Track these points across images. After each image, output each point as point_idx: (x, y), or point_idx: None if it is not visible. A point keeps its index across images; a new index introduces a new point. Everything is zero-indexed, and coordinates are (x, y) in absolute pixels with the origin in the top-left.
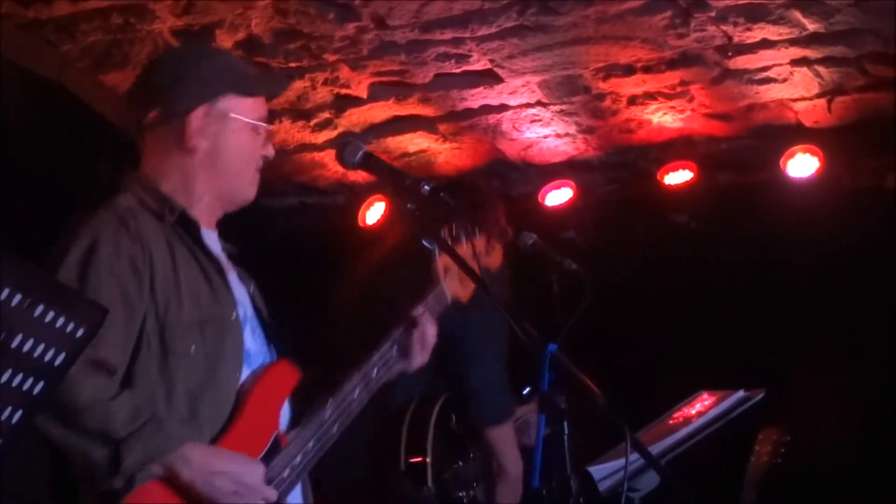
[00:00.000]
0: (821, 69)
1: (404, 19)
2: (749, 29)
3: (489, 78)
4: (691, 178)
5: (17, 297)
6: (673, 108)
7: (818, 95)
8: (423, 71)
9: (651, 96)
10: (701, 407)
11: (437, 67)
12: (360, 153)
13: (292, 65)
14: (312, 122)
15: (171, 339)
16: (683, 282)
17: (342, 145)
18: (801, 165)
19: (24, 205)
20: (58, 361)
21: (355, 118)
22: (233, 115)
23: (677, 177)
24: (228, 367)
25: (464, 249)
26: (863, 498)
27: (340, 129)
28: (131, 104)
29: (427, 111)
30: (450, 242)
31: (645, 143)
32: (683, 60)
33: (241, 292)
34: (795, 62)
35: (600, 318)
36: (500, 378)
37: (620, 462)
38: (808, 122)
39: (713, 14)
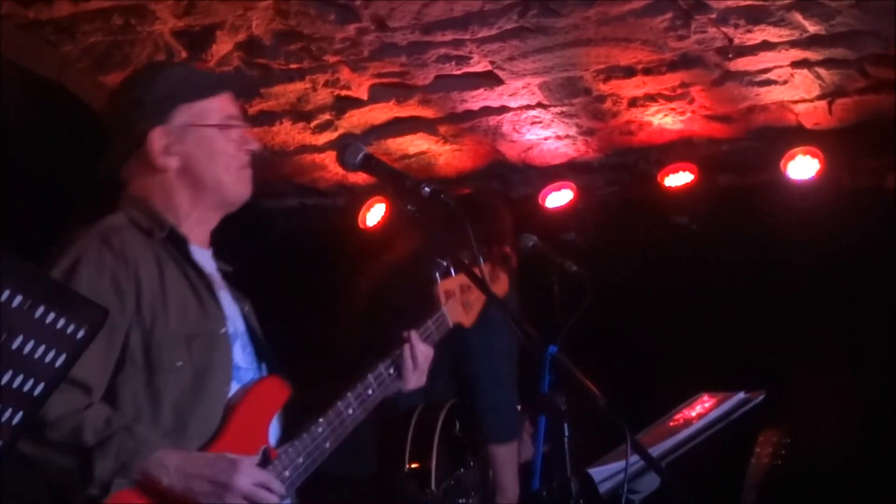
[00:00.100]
0: (821, 71)
1: (405, 21)
2: (749, 31)
3: (490, 79)
4: (692, 180)
5: (18, 299)
6: (673, 109)
7: (819, 97)
8: (423, 72)
9: (651, 98)
10: (701, 409)
11: (437, 69)
12: (361, 155)
13: (293, 66)
14: (313, 124)
15: (157, 354)
16: (684, 283)
17: (342, 147)
18: (802, 167)
19: (24, 205)
20: (58, 363)
21: (356, 120)
22: (193, 126)
23: (678, 178)
24: (216, 382)
25: (465, 278)
26: (863, 498)
27: (341, 131)
28: (106, 135)
29: (427, 113)
30: (452, 271)
31: (645, 145)
32: (684, 62)
33: (232, 309)
34: (796, 64)
35: (601, 320)
36: (510, 397)
37: (621, 464)
38: (808, 124)
39: (714, 16)
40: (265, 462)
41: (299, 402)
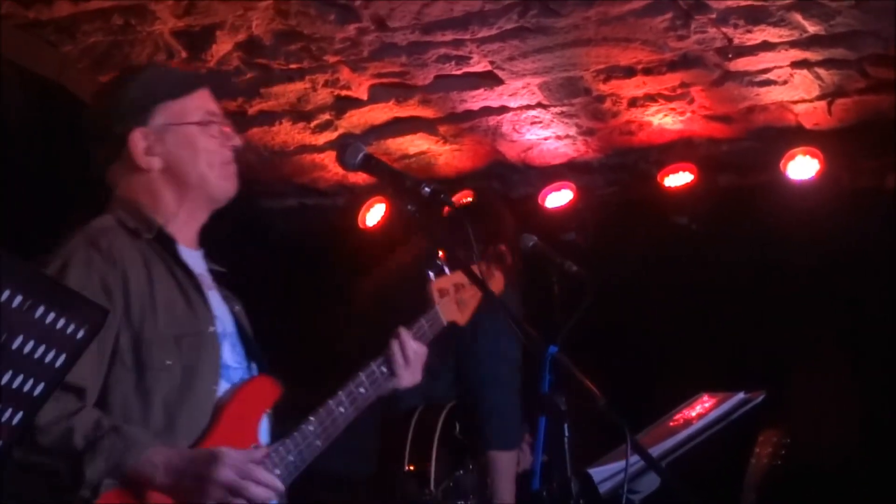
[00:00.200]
0: (821, 71)
1: (405, 21)
2: (749, 31)
3: (489, 80)
4: (691, 180)
5: (18, 299)
6: (673, 109)
7: (818, 97)
8: (423, 72)
9: (651, 98)
10: (701, 409)
11: (437, 69)
12: (361, 155)
13: (293, 66)
14: (313, 124)
15: (146, 354)
16: (684, 283)
17: (342, 147)
18: (802, 167)
19: (23, 205)
20: (58, 363)
21: (355, 120)
22: (172, 125)
23: (678, 178)
24: (205, 380)
25: (459, 276)
26: (863, 498)
27: (341, 131)
28: (86, 144)
29: (427, 113)
30: (446, 270)
31: (645, 145)
32: (684, 62)
33: (221, 309)
34: (796, 64)
35: (600, 320)
36: (514, 403)
37: (621, 464)
38: (808, 125)
39: (714, 16)
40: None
41: (299, 402)
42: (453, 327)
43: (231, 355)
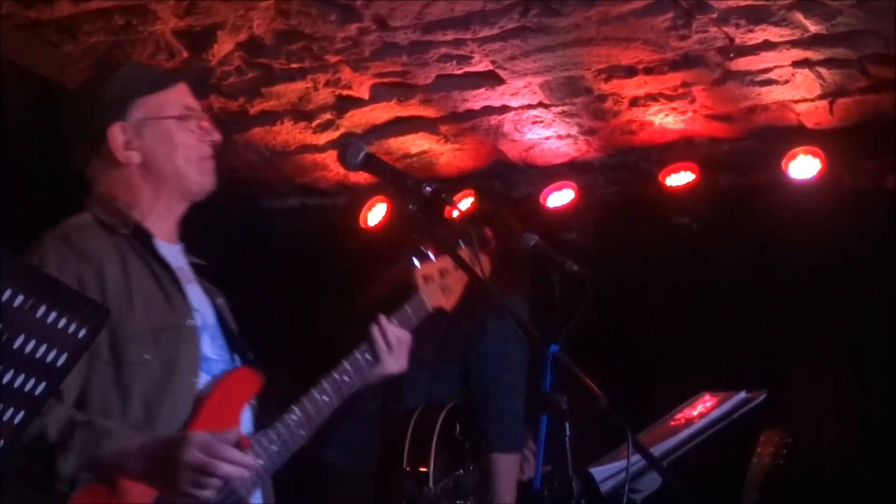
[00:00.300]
0: (822, 71)
1: (406, 20)
2: (751, 30)
3: (491, 79)
4: (693, 180)
5: (20, 298)
6: (674, 109)
7: (820, 97)
8: (424, 72)
9: (653, 98)
10: (703, 408)
11: (438, 68)
12: (362, 154)
13: (294, 66)
14: (314, 123)
15: (124, 349)
16: (685, 283)
17: (344, 146)
18: (803, 167)
19: (24, 205)
20: (60, 362)
21: (357, 119)
22: (150, 119)
23: (679, 178)
24: (184, 374)
25: (444, 262)
26: (864, 498)
27: (342, 130)
28: (66, 140)
29: (429, 112)
30: (431, 256)
31: (646, 145)
32: (685, 62)
33: (201, 302)
34: (797, 64)
35: (602, 319)
36: (518, 407)
37: (622, 463)
38: (809, 124)
39: (715, 15)
40: None
41: (293, 396)
42: (458, 327)
43: (211, 347)
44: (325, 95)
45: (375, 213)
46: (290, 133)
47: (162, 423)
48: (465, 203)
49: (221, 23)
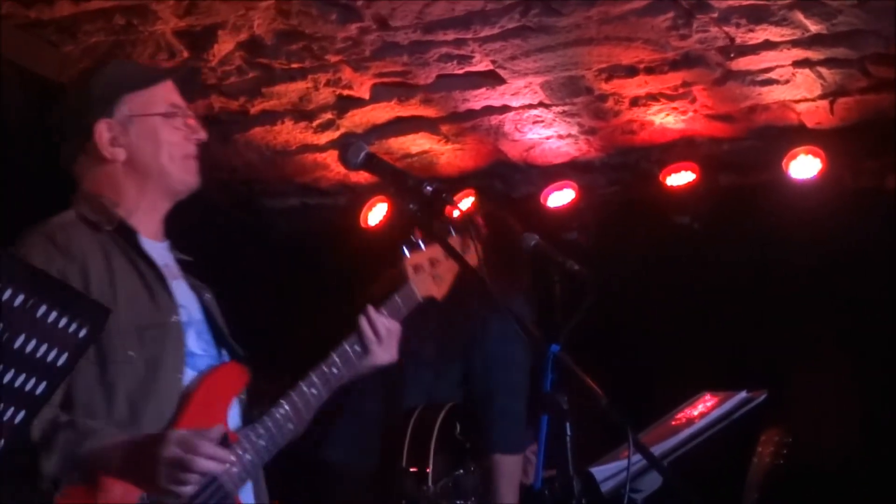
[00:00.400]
0: (823, 70)
1: (406, 20)
2: (751, 30)
3: (491, 79)
4: (693, 180)
5: (20, 298)
6: (675, 109)
7: (820, 97)
8: (425, 72)
9: (653, 97)
10: (703, 408)
11: (439, 68)
12: (363, 154)
13: (294, 66)
14: (315, 123)
15: (108, 346)
16: (685, 283)
17: (345, 146)
18: (804, 167)
19: (24, 205)
20: (60, 362)
21: (357, 119)
22: (136, 116)
23: (679, 178)
24: (169, 370)
25: (434, 251)
26: (864, 498)
27: (342, 130)
28: (56, 141)
29: (429, 112)
30: (421, 245)
31: (647, 145)
32: (686, 61)
33: (187, 298)
34: (798, 63)
35: (602, 319)
36: (521, 409)
37: (623, 463)
38: (810, 124)
39: (715, 15)
40: (223, 446)
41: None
42: (460, 327)
43: (197, 343)
44: (325, 95)
45: (376, 213)
46: (290, 133)
47: (147, 420)
48: (466, 203)
49: (222, 23)
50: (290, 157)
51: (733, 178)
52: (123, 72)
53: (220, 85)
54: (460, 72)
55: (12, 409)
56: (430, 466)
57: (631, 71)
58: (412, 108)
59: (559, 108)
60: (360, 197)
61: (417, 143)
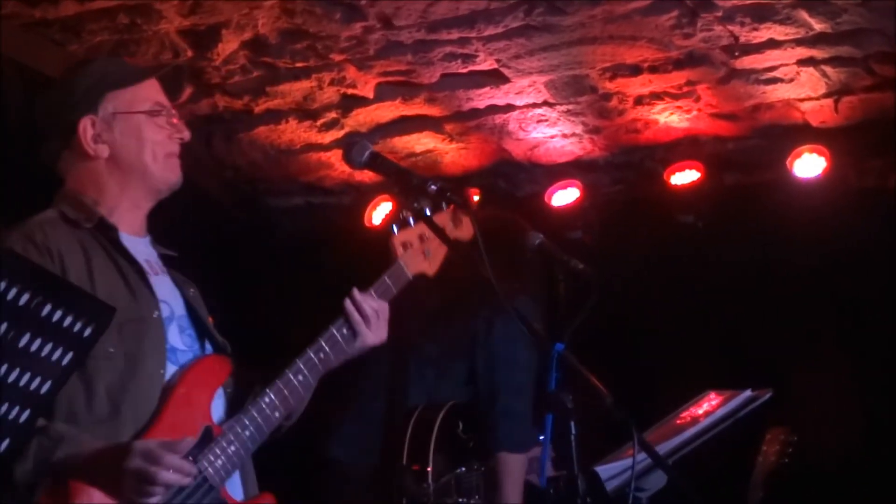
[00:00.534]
0: (827, 69)
1: (410, 19)
2: (756, 29)
3: (495, 78)
4: (698, 178)
5: (25, 297)
6: (679, 108)
7: (825, 95)
8: (429, 71)
9: (657, 96)
10: (708, 406)
11: (443, 67)
12: (367, 153)
13: (299, 65)
14: (319, 122)
15: None
16: (689, 281)
17: (349, 145)
18: (808, 165)
19: (26, 204)
20: (65, 361)
21: (362, 118)
22: (120, 113)
23: (684, 177)
24: (149, 365)
25: (424, 227)
26: (868, 497)
27: (347, 129)
28: (39, 134)
29: (433, 111)
30: (410, 222)
31: (651, 143)
32: (690, 60)
33: (169, 294)
34: (802, 62)
35: (606, 318)
36: (526, 407)
37: (628, 461)
38: (814, 122)
39: (720, 14)
40: (207, 440)
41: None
42: (465, 326)
43: (180, 338)
44: (329, 94)
45: (380, 212)
46: (294, 132)
47: (127, 416)
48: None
49: (226, 22)
50: (294, 156)
51: (738, 177)
52: (108, 69)
53: (225, 84)
54: (464, 71)
55: (17, 408)
56: (431, 464)
57: (635, 70)
58: (416, 107)
59: (563, 107)
60: (365, 196)
61: (422, 142)
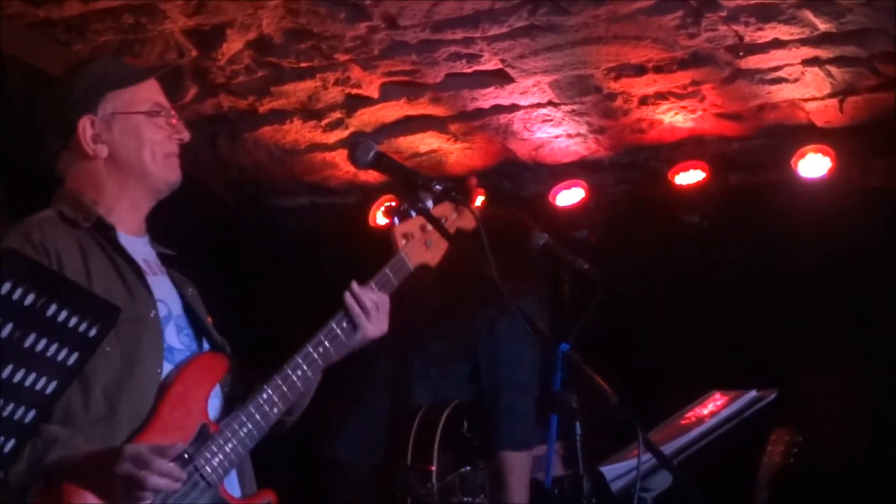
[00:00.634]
0: (832, 69)
1: (415, 19)
2: (760, 29)
3: (500, 78)
4: (702, 178)
5: (31, 297)
6: (684, 107)
7: (829, 95)
8: (434, 71)
9: (662, 96)
10: (713, 407)
11: (448, 67)
12: (372, 153)
13: (303, 65)
14: (323, 122)
15: None
16: (694, 281)
17: (354, 145)
18: (813, 165)
19: (30, 204)
20: (70, 361)
21: (366, 118)
22: (119, 113)
23: (688, 177)
24: (146, 364)
25: (423, 218)
26: (873, 498)
27: (351, 129)
28: (42, 138)
29: (438, 111)
30: (412, 213)
31: (656, 143)
32: (694, 60)
33: (167, 293)
34: (807, 62)
35: (610, 318)
36: (529, 406)
37: (633, 462)
38: (819, 122)
39: (724, 14)
40: (204, 437)
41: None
42: (468, 324)
43: (177, 338)
44: (334, 94)
45: (385, 212)
46: (299, 132)
47: (123, 415)
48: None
49: (230, 21)
50: (298, 156)
51: (742, 177)
52: (108, 69)
53: (229, 84)
54: (469, 71)
55: (23, 408)
56: (435, 464)
57: (640, 70)
58: (421, 107)
59: (568, 107)
60: (370, 196)
61: (426, 142)
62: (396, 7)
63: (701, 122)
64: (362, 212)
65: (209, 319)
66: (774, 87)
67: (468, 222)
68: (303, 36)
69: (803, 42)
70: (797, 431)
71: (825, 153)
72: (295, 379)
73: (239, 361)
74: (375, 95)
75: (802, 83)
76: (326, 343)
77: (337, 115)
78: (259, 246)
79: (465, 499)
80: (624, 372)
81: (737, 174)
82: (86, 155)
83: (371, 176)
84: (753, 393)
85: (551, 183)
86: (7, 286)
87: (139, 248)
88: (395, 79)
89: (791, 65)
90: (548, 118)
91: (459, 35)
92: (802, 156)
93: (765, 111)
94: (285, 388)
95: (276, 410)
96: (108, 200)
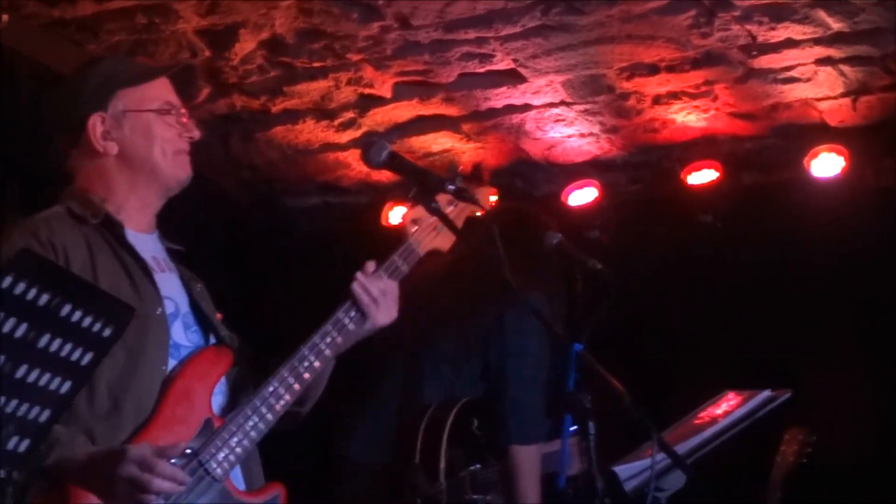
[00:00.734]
0: (845, 68)
1: (428, 19)
2: (773, 28)
3: (513, 77)
4: (715, 178)
5: (45, 297)
6: (697, 107)
7: (843, 95)
8: (446, 71)
9: (675, 96)
10: (727, 406)
11: (460, 67)
12: (385, 152)
13: (316, 65)
14: (336, 122)
15: None
16: (707, 281)
17: (367, 145)
18: (826, 165)
19: (45, 203)
20: (85, 361)
21: (379, 118)
22: (130, 111)
23: (701, 176)
24: (151, 361)
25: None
26: (887, 498)
27: (364, 129)
28: (50, 136)
29: (451, 111)
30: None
31: (669, 143)
32: (707, 60)
33: (174, 290)
34: (820, 61)
35: (623, 318)
36: (537, 400)
37: (646, 461)
38: (832, 122)
39: (737, 13)
40: (208, 432)
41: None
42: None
43: (183, 335)
44: (347, 94)
45: (397, 212)
46: (312, 132)
47: (127, 412)
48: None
49: (243, 21)
50: (311, 155)
51: (755, 177)
52: (118, 68)
53: (242, 84)
54: (482, 70)
55: (38, 408)
56: (443, 462)
57: (652, 69)
58: (434, 107)
59: (581, 107)
60: (382, 196)
61: (439, 142)
62: (409, 7)
63: (714, 122)
64: (375, 211)
65: (218, 316)
66: (787, 87)
67: (473, 211)
68: (315, 36)
69: (816, 41)
70: (811, 431)
71: (838, 153)
72: (302, 370)
73: (248, 357)
74: (388, 95)
75: (815, 83)
76: (335, 333)
77: (350, 114)
78: (271, 246)
79: (476, 496)
80: (637, 371)
81: (750, 174)
82: (95, 152)
83: (384, 176)
84: (767, 393)
85: (564, 183)
86: (21, 286)
87: (148, 245)
88: (407, 78)
89: (804, 64)
90: (560, 118)
91: (472, 35)
92: (815, 155)
93: (778, 111)
94: (292, 381)
95: (282, 403)
96: (118, 198)
